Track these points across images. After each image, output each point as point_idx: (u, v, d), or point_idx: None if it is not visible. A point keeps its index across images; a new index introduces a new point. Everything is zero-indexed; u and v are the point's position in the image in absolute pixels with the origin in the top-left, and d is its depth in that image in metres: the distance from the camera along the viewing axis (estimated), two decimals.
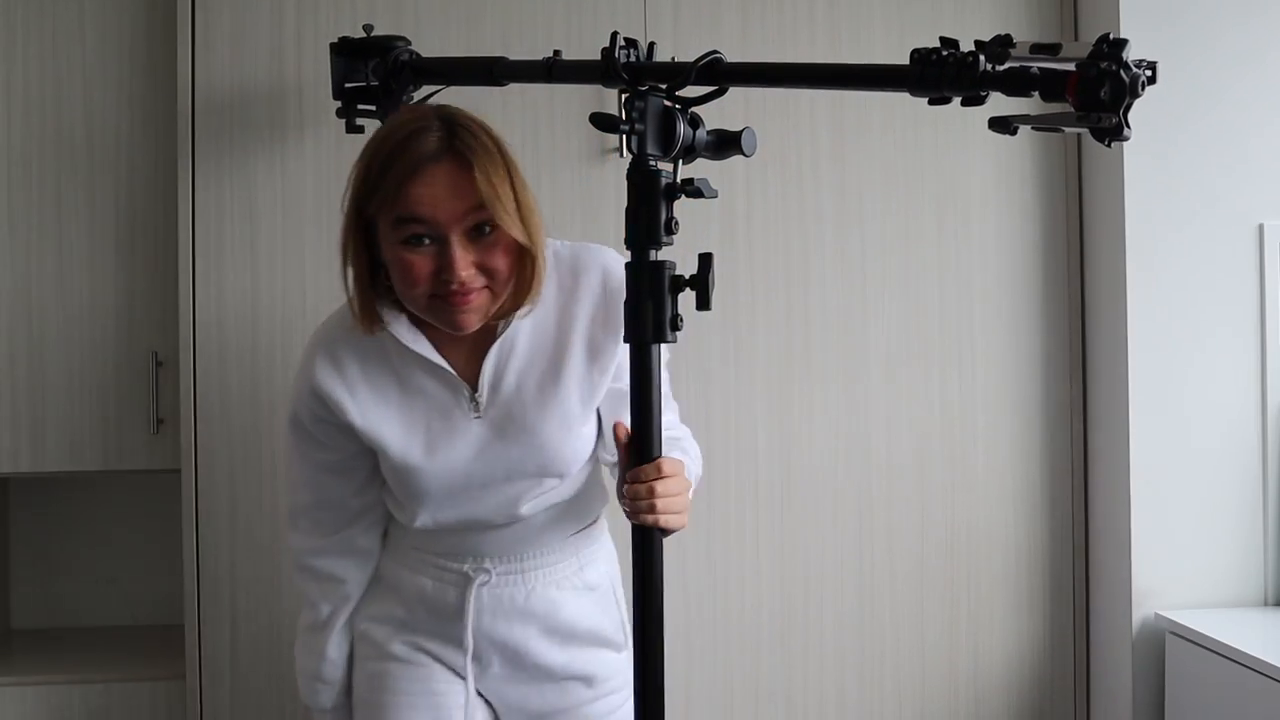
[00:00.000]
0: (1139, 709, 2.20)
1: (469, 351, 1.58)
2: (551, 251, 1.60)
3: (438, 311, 1.49)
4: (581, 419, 1.60)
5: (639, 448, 1.41)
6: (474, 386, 1.58)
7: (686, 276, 1.38)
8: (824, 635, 2.26)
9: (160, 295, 2.18)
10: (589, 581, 1.71)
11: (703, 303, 1.36)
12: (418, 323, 1.56)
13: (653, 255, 1.38)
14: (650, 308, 1.36)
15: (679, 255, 1.39)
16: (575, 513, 1.69)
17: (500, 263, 1.48)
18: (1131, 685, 2.21)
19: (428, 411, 1.57)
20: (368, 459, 1.62)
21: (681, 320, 1.38)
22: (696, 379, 2.21)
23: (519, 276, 1.52)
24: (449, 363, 1.57)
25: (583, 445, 1.61)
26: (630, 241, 1.38)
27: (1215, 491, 2.23)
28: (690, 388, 2.20)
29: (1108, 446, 2.28)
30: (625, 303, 1.38)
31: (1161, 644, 2.19)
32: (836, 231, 2.26)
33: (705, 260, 1.36)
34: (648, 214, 1.36)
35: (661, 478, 1.40)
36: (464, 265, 1.46)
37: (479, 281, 1.48)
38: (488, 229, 1.47)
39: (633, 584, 1.43)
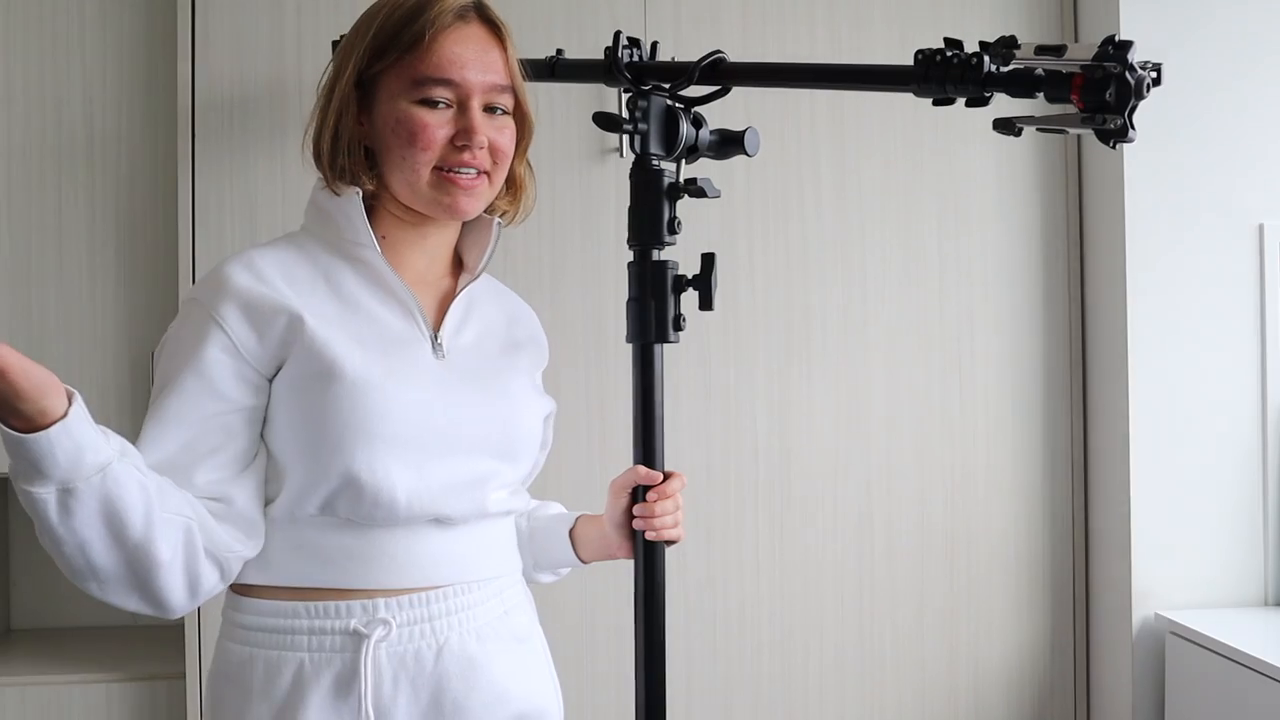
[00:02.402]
0: (1139, 709, 2.21)
1: (426, 301, 1.39)
2: (496, 280, 1.53)
3: (437, 192, 1.32)
4: (536, 405, 1.45)
5: (643, 452, 1.42)
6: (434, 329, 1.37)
7: (689, 276, 1.38)
8: (824, 635, 2.26)
9: (160, 295, 2.18)
10: (517, 631, 1.38)
11: (705, 303, 1.37)
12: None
13: (655, 255, 1.38)
14: (653, 307, 1.37)
15: (679, 254, 1.40)
16: (502, 540, 1.43)
17: (507, 144, 1.36)
18: (1131, 685, 2.21)
19: (380, 335, 1.32)
20: (251, 424, 1.29)
21: (684, 320, 1.38)
22: (696, 378, 2.21)
23: (511, 180, 1.42)
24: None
25: (535, 433, 1.45)
26: (633, 241, 1.38)
27: (1215, 491, 2.24)
28: (690, 387, 2.20)
29: (1108, 447, 2.28)
30: (628, 302, 1.39)
31: (1161, 644, 2.20)
32: (837, 231, 2.26)
33: (708, 260, 1.37)
34: (650, 213, 1.37)
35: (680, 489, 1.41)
36: (484, 130, 1.32)
37: (486, 162, 1.34)
38: (500, 110, 1.35)
39: (634, 588, 1.43)
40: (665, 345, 1.40)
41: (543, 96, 2.15)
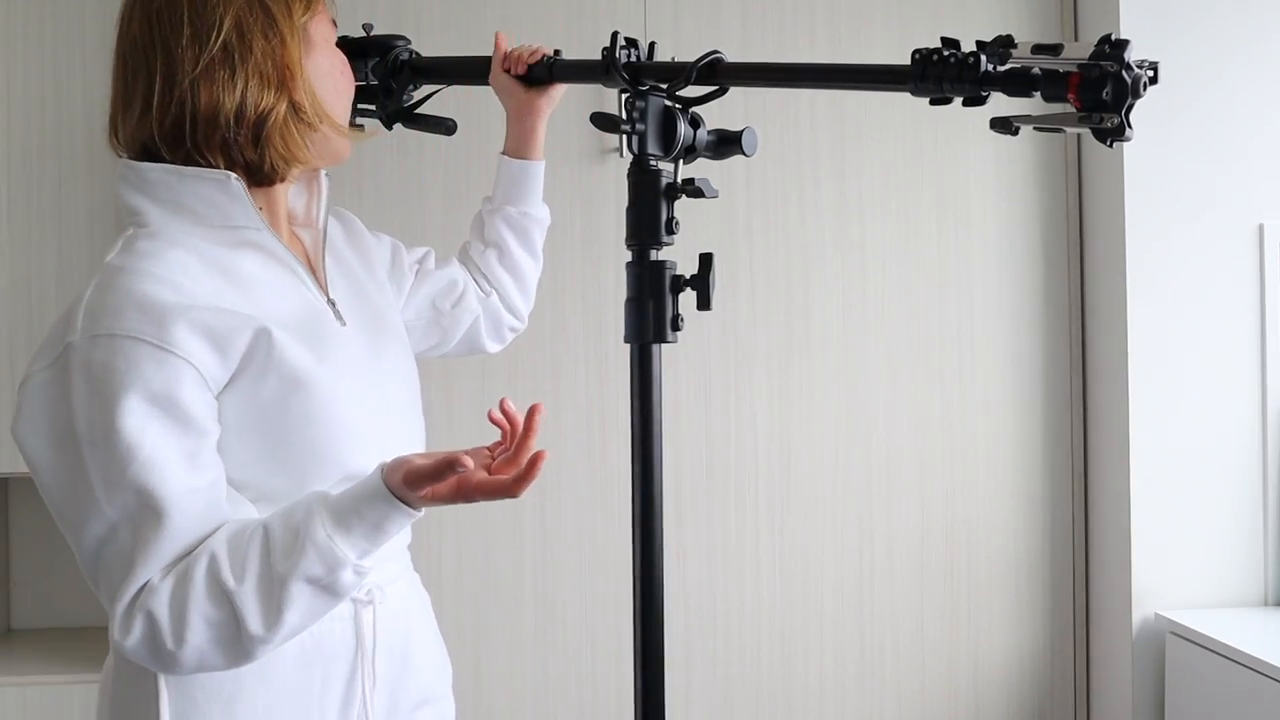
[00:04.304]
0: (1139, 709, 2.20)
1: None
2: None
3: (345, 133, 1.29)
4: (407, 336, 1.42)
5: (642, 452, 1.41)
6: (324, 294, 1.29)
7: (687, 276, 1.38)
8: (824, 635, 2.26)
9: None
10: (424, 595, 1.41)
11: (703, 303, 1.36)
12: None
13: (653, 255, 1.38)
14: (651, 307, 1.37)
15: (678, 254, 1.40)
16: None
17: None
18: (1131, 685, 2.21)
19: (294, 322, 1.20)
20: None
21: (682, 320, 1.38)
22: (696, 378, 2.21)
23: None
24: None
25: (416, 369, 1.42)
26: (631, 241, 1.38)
27: (1215, 491, 2.23)
28: (690, 387, 2.20)
29: (1108, 446, 2.28)
30: (626, 302, 1.39)
31: (1161, 644, 2.19)
32: (836, 231, 2.26)
33: (706, 260, 1.37)
34: (649, 213, 1.36)
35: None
36: None
37: None
38: None
39: (633, 587, 1.43)
40: (664, 345, 1.40)
41: None
